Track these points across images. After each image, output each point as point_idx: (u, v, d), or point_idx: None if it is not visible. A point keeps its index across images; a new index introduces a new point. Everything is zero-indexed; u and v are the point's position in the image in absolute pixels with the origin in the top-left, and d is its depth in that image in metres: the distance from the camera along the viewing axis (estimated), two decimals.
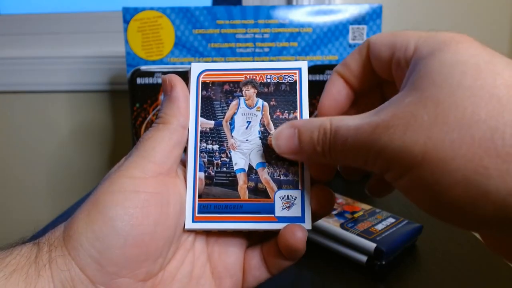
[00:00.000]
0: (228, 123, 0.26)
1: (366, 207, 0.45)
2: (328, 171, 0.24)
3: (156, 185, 0.23)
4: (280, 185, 0.25)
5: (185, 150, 0.26)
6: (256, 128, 0.26)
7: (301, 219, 0.24)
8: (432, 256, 0.39)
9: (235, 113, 0.26)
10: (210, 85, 0.26)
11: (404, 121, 0.17)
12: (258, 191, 0.25)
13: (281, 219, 0.24)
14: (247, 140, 0.26)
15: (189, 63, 0.68)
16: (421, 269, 0.38)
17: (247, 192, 0.25)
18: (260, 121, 0.26)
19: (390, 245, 0.37)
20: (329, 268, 0.38)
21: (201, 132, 0.26)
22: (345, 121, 0.20)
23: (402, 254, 0.39)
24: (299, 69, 0.26)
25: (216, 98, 0.26)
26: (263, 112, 0.26)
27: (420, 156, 0.17)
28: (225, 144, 0.26)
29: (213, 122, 0.26)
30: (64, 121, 0.94)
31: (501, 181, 0.15)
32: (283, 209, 0.24)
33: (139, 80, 0.64)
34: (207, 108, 0.26)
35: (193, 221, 0.24)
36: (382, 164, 0.18)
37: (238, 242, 0.26)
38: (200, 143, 0.26)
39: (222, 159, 0.26)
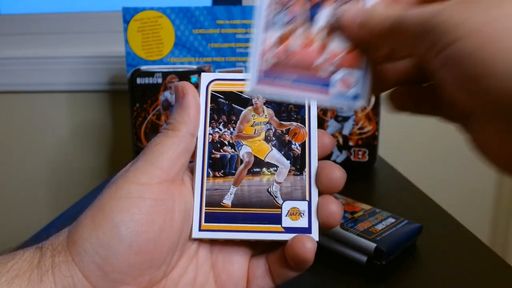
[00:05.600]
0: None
1: (366, 207, 0.45)
2: (336, 181, 0.24)
3: (161, 191, 0.23)
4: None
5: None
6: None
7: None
8: (432, 256, 0.39)
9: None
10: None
11: (469, 2, 0.18)
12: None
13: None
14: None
15: (189, 63, 0.68)
16: (421, 269, 0.38)
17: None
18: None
19: (390, 245, 0.37)
20: (329, 268, 0.38)
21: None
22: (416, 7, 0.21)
23: (402, 254, 0.39)
24: None
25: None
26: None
27: (476, 28, 0.17)
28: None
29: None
30: (64, 121, 0.94)
31: None
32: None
33: (139, 80, 0.64)
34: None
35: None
36: (432, 39, 0.19)
37: (242, 251, 0.26)
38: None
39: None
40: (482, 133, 0.20)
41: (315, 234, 0.24)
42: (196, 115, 0.25)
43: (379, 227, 0.40)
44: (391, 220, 0.42)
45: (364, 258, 0.37)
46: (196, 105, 0.25)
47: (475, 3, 0.18)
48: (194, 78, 0.65)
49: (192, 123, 0.25)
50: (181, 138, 0.24)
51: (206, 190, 0.25)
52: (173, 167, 0.23)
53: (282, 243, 0.24)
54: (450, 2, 0.19)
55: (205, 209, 0.25)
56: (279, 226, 0.24)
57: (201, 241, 0.25)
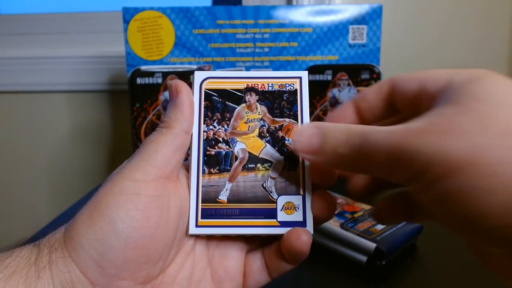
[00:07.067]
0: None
1: (366, 207, 0.45)
2: (329, 176, 0.25)
3: (157, 188, 0.23)
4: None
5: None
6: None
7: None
8: (432, 256, 0.39)
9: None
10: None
11: (444, 128, 0.17)
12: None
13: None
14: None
15: (189, 63, 0.68)
16: (421, 269, 0.38)
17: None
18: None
19: (390, 245, 0.37)
20: (329, 268, 0.38)
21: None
22: (374, 127, 0.19)
23: (402, 254, 0.39)
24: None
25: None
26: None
27: (465, 161, 0.16)
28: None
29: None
30: (64, 121, 0.94)
31: None
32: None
33: (139, 80, 0.64)
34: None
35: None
36: (412, 171, 0.17)
37: (238, 246, 0.26)
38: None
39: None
40: (486, 254, 0.19)
41: (310, 227, 0.24)
42: (190, 112, 0.25)
43: (379, 227, 0.40)
44: None
45: (364, 258, 0.37)
46: (190, 103, 0.25)
47: (451, 128, 0.17)
48: None
49: (186, 121, 0.25)
50: (175, 136, 0.24)
51: (202, 186, 0.25)
52: (168, 164, 0.24)
53: (278, 237, 0.25)
54: (418, 126, 0.18)
55: (201, 206, 0.25)
56: (275, 220, 0.25)
57: (197, 237, 0.26)
